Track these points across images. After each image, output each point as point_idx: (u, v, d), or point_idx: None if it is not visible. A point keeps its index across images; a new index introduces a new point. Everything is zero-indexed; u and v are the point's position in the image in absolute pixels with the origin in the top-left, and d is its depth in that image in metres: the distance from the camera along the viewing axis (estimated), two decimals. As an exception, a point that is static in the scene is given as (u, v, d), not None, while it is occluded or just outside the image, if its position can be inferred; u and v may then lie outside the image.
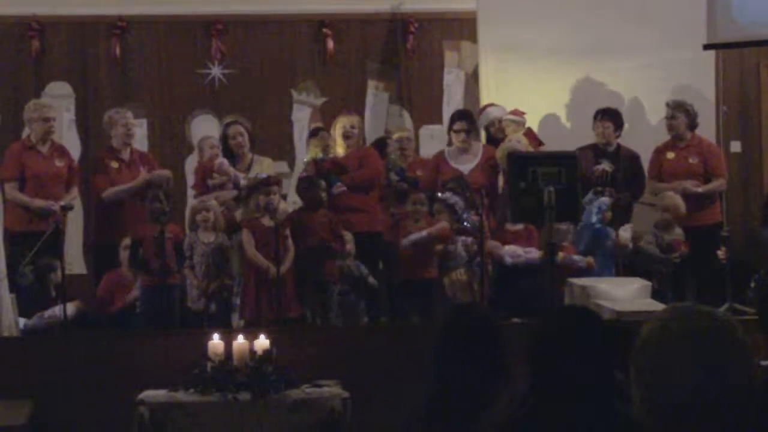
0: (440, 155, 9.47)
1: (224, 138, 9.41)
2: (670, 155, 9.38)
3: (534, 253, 8.62)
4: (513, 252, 8.64)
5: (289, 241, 8.50)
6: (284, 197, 9.40)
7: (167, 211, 8.58)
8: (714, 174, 9.31)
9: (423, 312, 8.53)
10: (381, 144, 9.57)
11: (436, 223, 8.66)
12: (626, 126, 9.65)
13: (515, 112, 9.67)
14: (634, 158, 9.44)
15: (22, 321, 8.26)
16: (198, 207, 8.73)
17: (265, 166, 9.34)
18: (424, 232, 8.55)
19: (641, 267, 8.72)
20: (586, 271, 8.58)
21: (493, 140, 9.58)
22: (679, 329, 2.14)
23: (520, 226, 8.70)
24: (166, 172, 9.20)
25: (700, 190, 9.19)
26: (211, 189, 9.16)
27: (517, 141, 9.17)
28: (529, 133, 9.56)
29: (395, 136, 9.88)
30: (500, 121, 9.63)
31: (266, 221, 8.55)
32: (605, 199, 8.74)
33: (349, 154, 9.24)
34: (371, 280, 8.69)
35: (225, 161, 9.20)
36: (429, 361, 3.80)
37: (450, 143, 9.50)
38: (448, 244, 8.62)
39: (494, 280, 8.72)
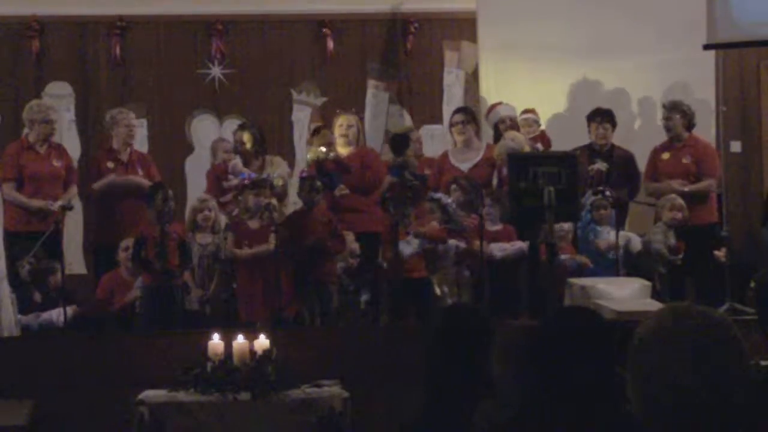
0: (444, 155, 9.48)
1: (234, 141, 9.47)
2: (666, 155, 9.39)
3: (519, 245, 8.60)
4: (500, 246, 8.65)
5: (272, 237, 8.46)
6: (281, 197, 9.38)
7: (169, 211, 8.57)
8: (704, 174, 9.29)
9: (419, 311, 8.53)
10: (402, 140, 9.41)
11: (422, 224, 8.68)
12: (625, 126, 9.65)
13: (530, 111, 9.67)
14: (628, 158, 9.45)
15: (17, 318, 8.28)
16: (199, 207, 8.70)
17: (275, 165, 9.34)
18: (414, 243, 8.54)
19: (646, 267, 8.70)
20: (588, 271, 8.58)
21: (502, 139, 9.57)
22: (675, 329, 2.14)
23: (499, 226, 8.72)
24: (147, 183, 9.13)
25: (686, 189, 9.18)
26: (226, 191, 9.15)
27: (511, 139, 9.18)
28: (542, 136, 9.57)
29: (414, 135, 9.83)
30: (511, 119, 9.63)
31: (253, 224, 8.54)
32: (590, 199, 8.76)
33: (351, 155, 9.24)
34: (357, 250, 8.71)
35: (239, 162, 9.19)
36: (423, 362, 3.80)
37: (454, 143, 9.50)
38: (437, 244, 8.61)
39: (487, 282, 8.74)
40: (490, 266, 8.59)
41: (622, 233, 8.76)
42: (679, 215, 8.85)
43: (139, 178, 9.11)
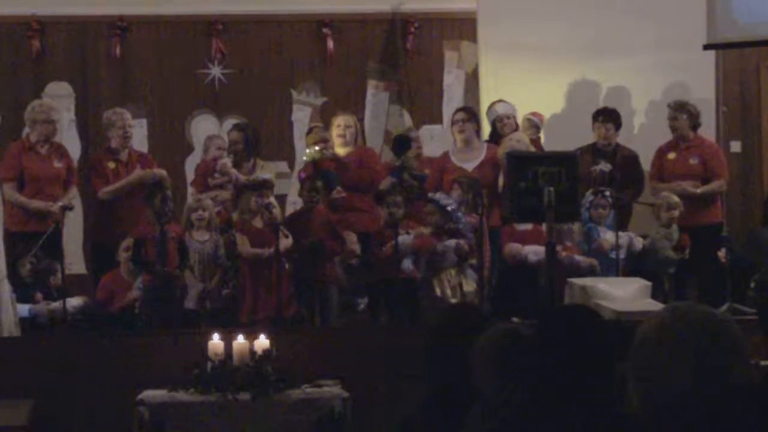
0: (445, 155, 9.46)
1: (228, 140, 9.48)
2: (671, 156, 9.38)
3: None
4: (536, 250, 8.58)
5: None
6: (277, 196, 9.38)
7: (168, 211, 8.58)
8: (713, 175, 9.29)
9: (412, 312, 8.54)
10: (404, 141, 9.40)
11: (415, 226, 8.68)
12: (625, 126, 9.65)
13: (536, 115, 9.67)
14: (632, 158, 9.44)
15: (26, 307, 8.27)
16: (193, 206, 8.71)
17: (265, 170, 9.35)
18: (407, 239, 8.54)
19: (653, 270, 8.69)
20: (590, 271, 8.57)
21: (500, 136, 9.56)
22: (677, 328, 2.14)
23: (528, 226, 8.68)
24: (160, 172, 9.15)
25: (698, 191, 9.18)
26: (211, 188, 9.16)
27: (517, 140, 9.17)
28: (537, 141, 9.56)
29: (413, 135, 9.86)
30: (508, 117, 9.61)
31: (258, 223, 8.55)
32: (589, 198, 8.76)
33: (350, 154, 9.24)
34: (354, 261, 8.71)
35: (228, 161, 9.20)
36: (422, 362, 3.79)
37: (454, 142, 9.49)
38: (435, 246, 8.60)
39: (496, 281, 8.73)
40: (510, 267, 8.58)
41: (623, 233, 8.75)
42: (676, 213, 8.87)
43: (148, 172, 9.09)
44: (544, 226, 7.76)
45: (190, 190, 9.49)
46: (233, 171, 9.15)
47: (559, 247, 8.35)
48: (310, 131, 9.53)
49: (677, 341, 2.12)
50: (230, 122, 10.32)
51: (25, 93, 10.34)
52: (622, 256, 8.62)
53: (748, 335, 2.20)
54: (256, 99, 10.73)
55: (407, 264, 8.50)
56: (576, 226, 8.65)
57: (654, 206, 9.10)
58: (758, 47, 10.15)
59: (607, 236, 8.69)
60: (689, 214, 9.02)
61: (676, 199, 8.91)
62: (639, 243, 8.81)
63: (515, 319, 7.79)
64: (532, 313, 7.54)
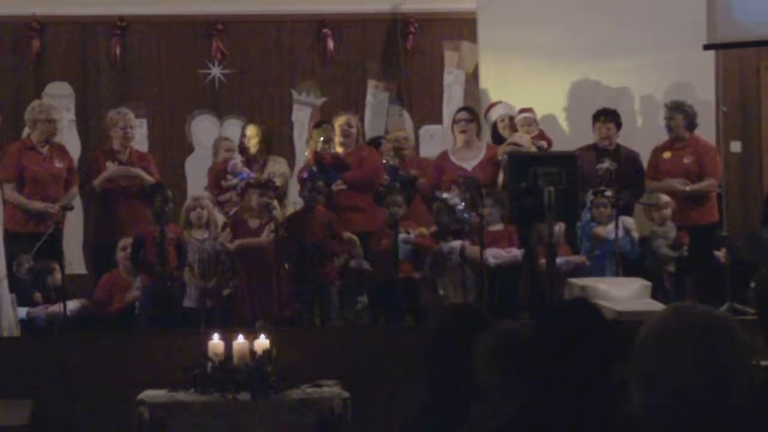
0: (444, 155, 9.47)
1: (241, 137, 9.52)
2: (667, 155, 9.41)
3: (516, 252, 8.60)
4: (495, 253, 8.60)
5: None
6: (281, 198, 9.39)
7: (168, 212, 8.58)
8: (705, 174, 9.31)
9: (410, 312, 8.55)
10: (374, 144, 9.60)
11: (414, 226, 8.69)
12: (625, 126, 9.65)
13: (527, 110, 9.67)
14: (634, 158, 9.46)
15: (24, 310, 8.26)
16: (192, 205, 8.71)
17: (276, 164, 9.38)
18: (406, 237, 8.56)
19: (651, 268, 8.71)
20: (587, 270, 8.58)
21: (501, 138, 9.58)
22: (679, 328, 2.14)
23: (500, 227, 8.71)
24: (150, 180, 9.15)
25: (687, 188, 9.20)
26: (225, 190, 9.17)
27: (519, 137, 9.20)
28: (542, 135, 9.57)
29: (392, 135, 9.92)
30: (511, 117, 9.63)
31: (253, 222, 8.54)
32: (590, 198, 8.77)
33: (350, 153, 9.26)
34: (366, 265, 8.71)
35: (238, 162, 9.21)
36: (422, 361, 3.79)
37: (454, 142, 9.51)
38: (441, 246, 8.60)
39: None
40: (490, 269, 8.59)
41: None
42: (668, 212, 8.89)
43: (140, 170, 9.11)
44: (543, 226, 7.79)
45: (205, 194, 9.39)
46: (245, 170, 9.16)
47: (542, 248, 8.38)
48: (318, 125, 9.54)
49: (678, 341, 2.12)
50: (230, 122, 10.32)
51: (25, 93, 10.33)
52: (620, 234, 8.61)
53: (748, 335, 2.20)
54: (256, 99, 10.73)
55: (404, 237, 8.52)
56: (559, 227, 8.66)
57: (647, 207, 9.14)
58: (758, 47, 10.15)
59: (609, 228, 8.72)
60: (682, 214, 9.05)
61: (665, 198, 8.95)
62: (632, 224, 8.81)
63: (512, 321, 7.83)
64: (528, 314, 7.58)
